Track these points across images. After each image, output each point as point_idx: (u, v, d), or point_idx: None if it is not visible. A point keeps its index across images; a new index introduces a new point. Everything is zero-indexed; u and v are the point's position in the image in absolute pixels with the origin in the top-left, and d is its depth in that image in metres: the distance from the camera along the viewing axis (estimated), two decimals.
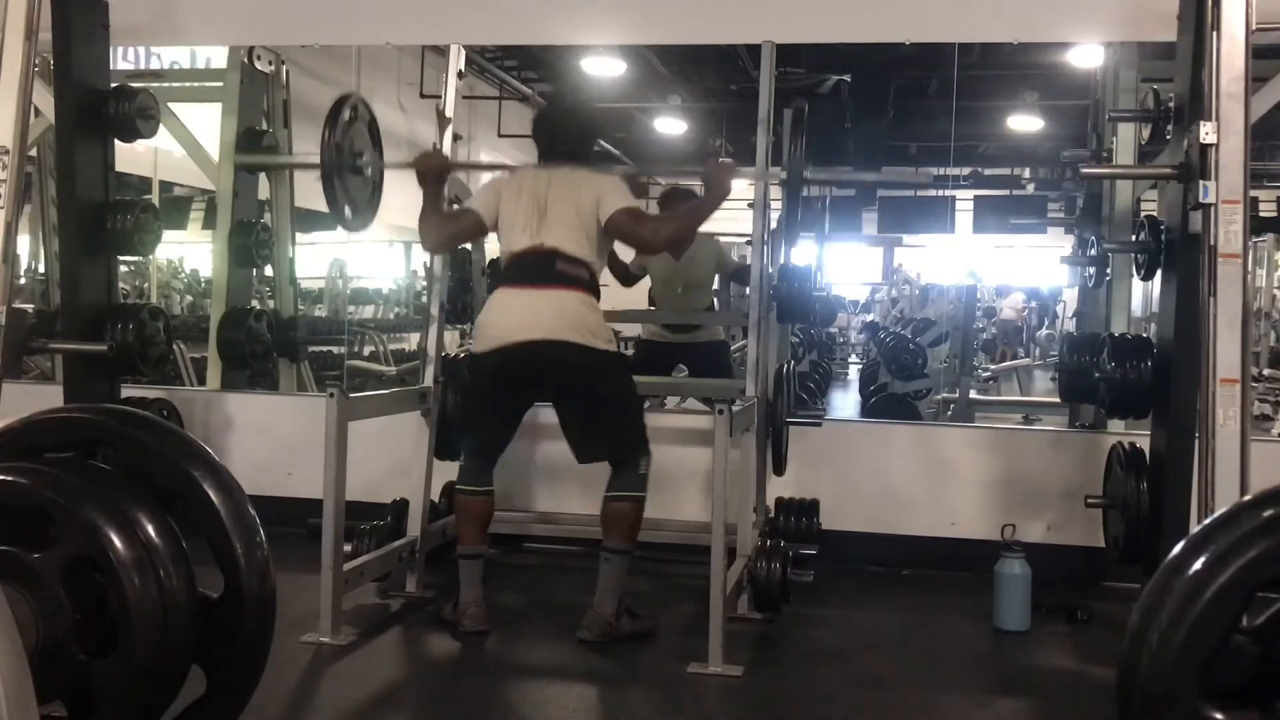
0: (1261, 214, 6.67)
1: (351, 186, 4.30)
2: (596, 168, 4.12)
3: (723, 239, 7.42)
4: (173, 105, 6.11)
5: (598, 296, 3.97)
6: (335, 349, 9.61)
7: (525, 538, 5.13)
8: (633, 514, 3.89)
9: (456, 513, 4.12)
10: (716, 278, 6.68)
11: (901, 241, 20.48)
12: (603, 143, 4.42)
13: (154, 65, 8.78)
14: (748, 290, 4.83)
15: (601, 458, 3.98)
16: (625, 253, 5.37)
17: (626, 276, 6.02)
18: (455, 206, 4.33)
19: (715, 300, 6.88)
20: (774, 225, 4.63)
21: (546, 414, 4.22)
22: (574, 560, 4.97)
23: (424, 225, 4.09)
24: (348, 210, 4.28)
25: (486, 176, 4.40)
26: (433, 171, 4.12)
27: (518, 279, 3.89)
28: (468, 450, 4.11)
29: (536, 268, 3.85)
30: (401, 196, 4.54)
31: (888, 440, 5.36)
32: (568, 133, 4.14)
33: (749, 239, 4.68)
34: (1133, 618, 2.06)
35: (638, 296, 6.46)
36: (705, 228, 4.13)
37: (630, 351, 6.61)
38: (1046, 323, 17.86)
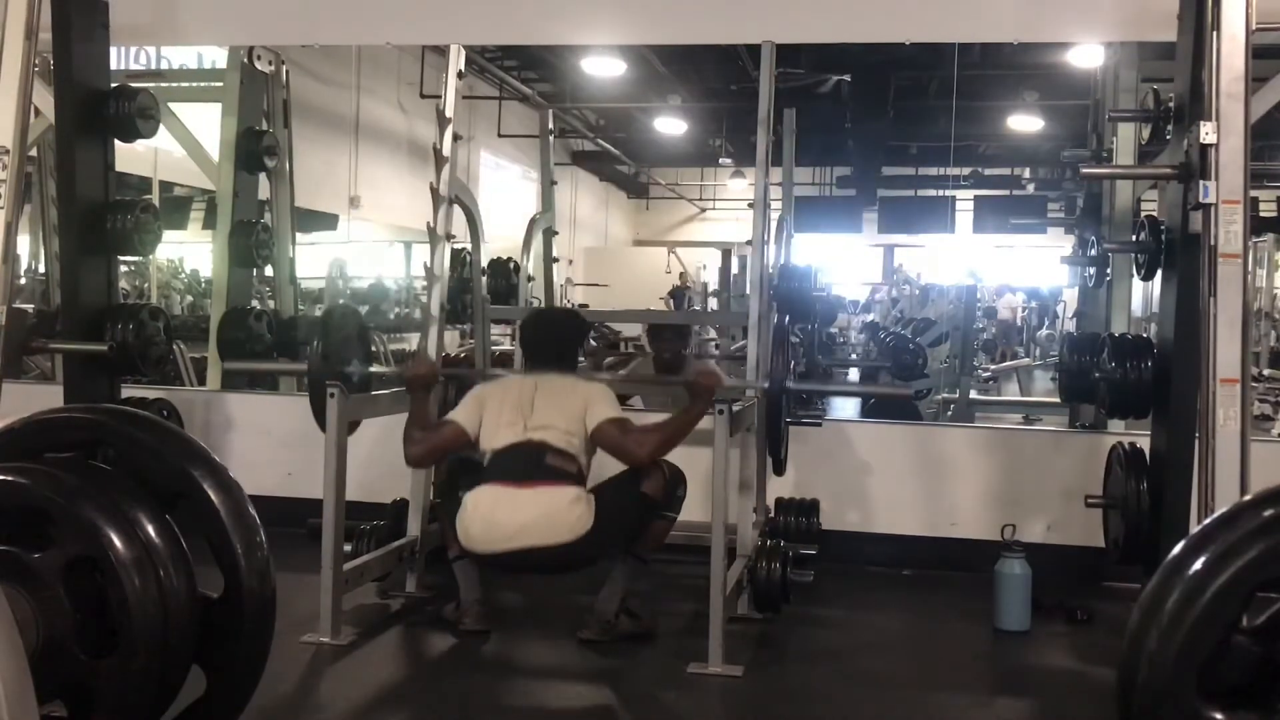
0: (1261, 214, 6.65)
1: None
2: (582, 375, 4.09)
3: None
4: (173, 105, 6.12)
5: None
6: None
7: None
8: (662, 529, 3.91)
9: (441, 522, 4.08)
10: None
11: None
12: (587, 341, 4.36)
13: (163, 66, 8.80)
14: (748, 290, 4.82)
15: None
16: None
17: None
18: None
19: None
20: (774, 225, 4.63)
21: None
22: None
23: (406, 436, 3.95)
24: None
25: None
26: (420, 381, 4.05)
27: (504, 476, 3.72)
28: (450, 471, 4.08)
29: (523, 461, 3.71)
30: (402, 195, 4.54)
31: (888, 440, 5.35)
32: (551, 340, 4.12)
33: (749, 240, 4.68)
34: (1133, 618, 2.06)
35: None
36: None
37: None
38: (1046, 323, 17.83)
